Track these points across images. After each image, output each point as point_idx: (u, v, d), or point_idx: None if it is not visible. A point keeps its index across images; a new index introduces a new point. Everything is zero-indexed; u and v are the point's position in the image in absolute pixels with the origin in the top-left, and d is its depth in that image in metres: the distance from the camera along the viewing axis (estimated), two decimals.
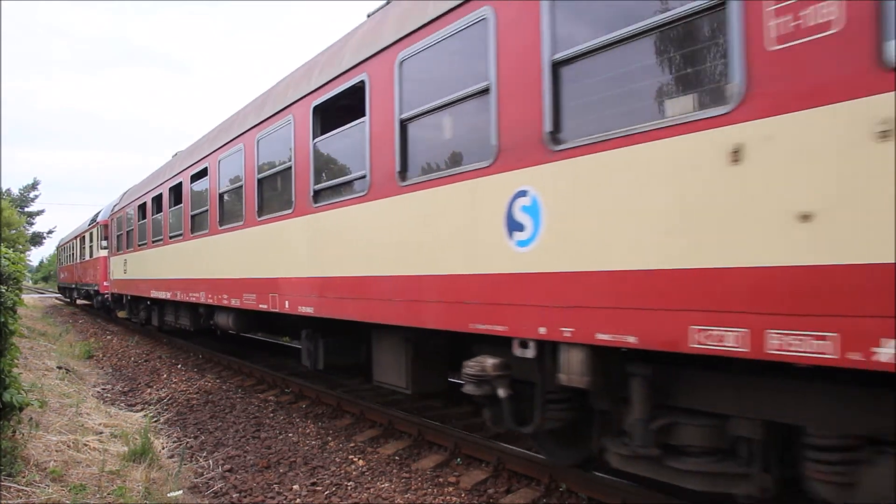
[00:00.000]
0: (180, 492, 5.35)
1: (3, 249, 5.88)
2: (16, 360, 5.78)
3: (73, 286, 31.67)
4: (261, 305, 8.39)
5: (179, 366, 12.73)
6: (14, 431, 5.57)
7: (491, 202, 4.62)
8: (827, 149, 2.90)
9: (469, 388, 4.89)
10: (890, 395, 3.05)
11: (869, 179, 2.73)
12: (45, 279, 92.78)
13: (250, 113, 9.29)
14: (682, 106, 3.60)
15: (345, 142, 6.71)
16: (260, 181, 8.57)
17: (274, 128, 8.16)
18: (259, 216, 8.52)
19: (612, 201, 3.81)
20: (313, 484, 5.72)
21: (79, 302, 33.97)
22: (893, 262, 2.63)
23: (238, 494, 5.55)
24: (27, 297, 22.46)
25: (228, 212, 9.85)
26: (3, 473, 4.93)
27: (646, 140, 3.62)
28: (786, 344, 3.04)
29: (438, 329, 5.14)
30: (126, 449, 6.11)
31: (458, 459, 6.18)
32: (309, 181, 7.16)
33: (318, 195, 7.06)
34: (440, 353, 5.75)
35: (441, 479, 5.70)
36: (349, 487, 5.61)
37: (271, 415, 8.39)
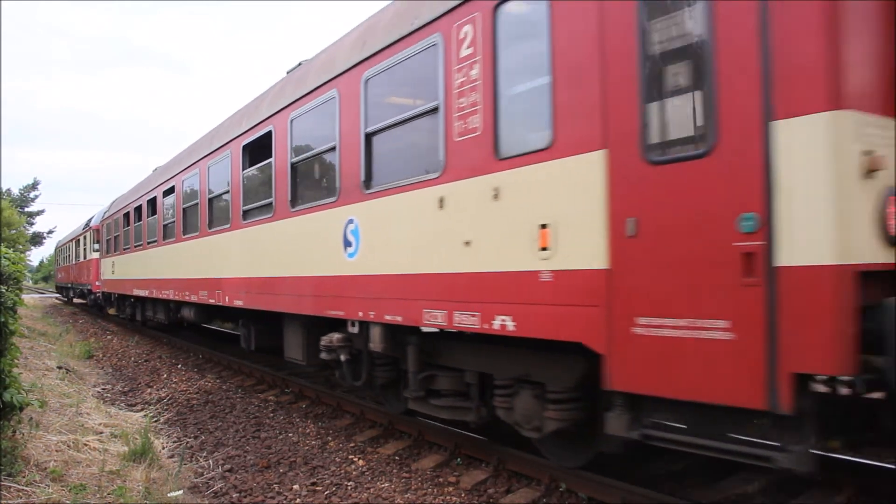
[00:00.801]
0: (180, 492, 5.35)
1: (3, 249, 5.87)
2: (16, 360, 5.78)
3: (70, 286, 33.52)
4: (210, 300, 10.52)
5: (179, 366, 12.74)
6: (14, 431, 5.57)
7: (336, 226, 6.67)
8: (475, 203, 4.91)
9: (323, 355, 7.04)
10: (529, 353, 4.93)
11: (491, 222, 4.77)
12: (45, 279, 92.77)
13: (204, 144, 11.54)
14: (419, 170, 5.60)
15: (261, 175, 8.83)
16: (210, 200, 10.75)
17: (219, 158, 10.32)
18: (209, 228, 10.66)
19: (390, 229, 5.90)
20: (313, 484, 5.72)
21: (75, 301, 34.96)
22: (503, 270, 4.65)
23: (238, 494, 5.55)
24: (27, 297, 22.66)
25: (189, 223, 11.94)
26: (4, 473, 4.93)
27: (402, 191, 5.72)
28: (461, 320, 5.02)
29: (314, 315, 7.19)
30: (126, 449, 6.11)
31: (458, 459, 6.18)
32: (240, 203, 9.30)
33: (245, 214, 9.14)
34: (323, 334, 7.17)
35: (441, 479, 5.70)
36: (349, 487, 5.61)
37: (271, 415, 8.39)
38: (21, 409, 5.42)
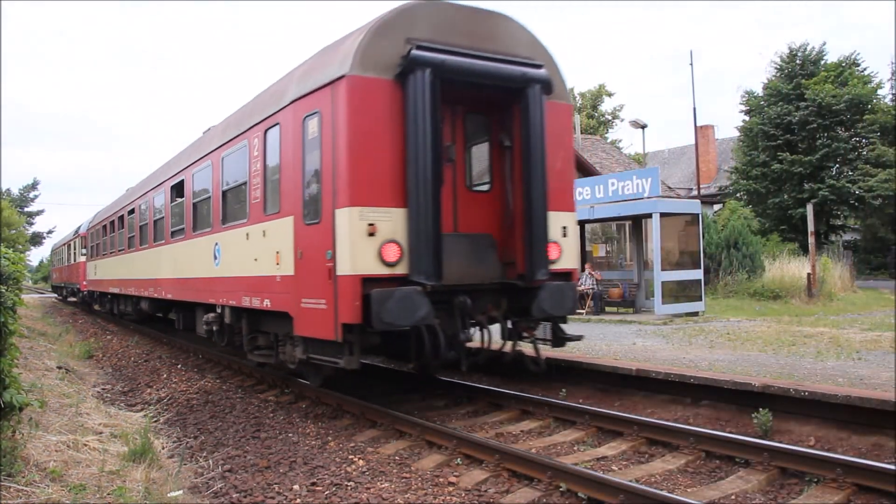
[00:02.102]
0: (180, 492, 5.34)
1: (3, 249, 5.86)
2: (16, 361, 5.77)
3: (63, 285, 38.47)
4: (155, 294, 14.49)
5: (179, 366, 12.73)
6: (14, 431, 5.56)
7: (211, 246, 10.49)
8: (257, 238, 8.59)
9: (205, 327, 10.90)
10: (289, 320, 7.72)
11: (263, 249, 8.44)
12: (45, 279, 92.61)
13: (151, 180, 15.90)
14: (240, 216, 9.33)
15: (181, 209, 12.63)
16: (154, 221, 14.67)
17: (159, 192, 14.37)
18: (154, 241, 14.61)
19: (230, 249, 9.62)
20: (313, 484, 5.71)
21: (69, 299, 37.82)
22: (267, 275, 8.24)
23: (238, 494, 5.54)
24: (27, 297, 22.84)
25: (143, 237, 15.85)
26: (3, 473, 4.92)
27: (234, 228, 9.44)
28: (254, 303, 8.58)
29: (205, 302, 10.95)
30: (126, 449, 6.10)
31: (458, 459, 6.18)
32: (169, 225, 13.33)
33: (172, 234, 13.09)
34: (216, 315, 10.68)
35: (441, 479, 5.69)
36: (349, 487, 5.61)
37: (271, 415, 8.38)
38: (21, 409, 5.41)
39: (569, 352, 9.93)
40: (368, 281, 6.62)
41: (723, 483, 5.39)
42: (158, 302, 15.05)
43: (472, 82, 7.32)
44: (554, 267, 7.76)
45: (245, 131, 9.23)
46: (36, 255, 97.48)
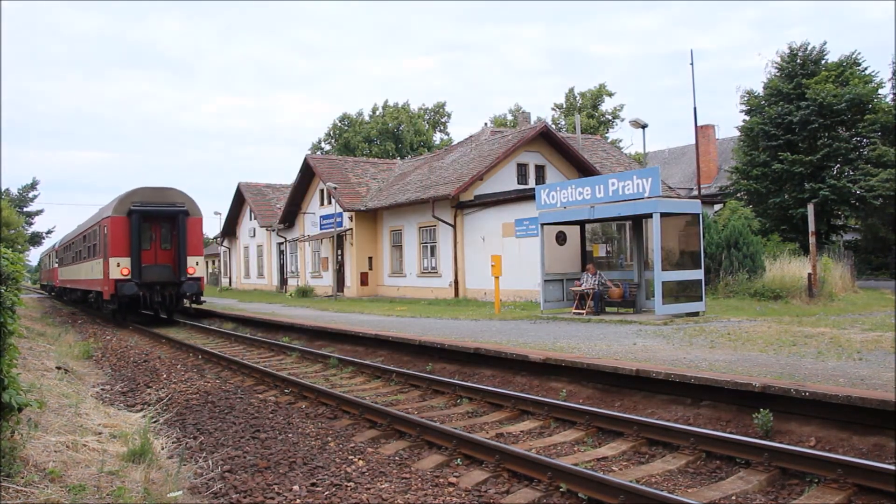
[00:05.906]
0: (180, 492, 5.32)
1: (3, 249, 5.84)
2: (15, 361, 5.74)
3: (47, 284, 53.55)
4: (81, 288, 29.93)
5: (179, 366, 12.71)
6: (13, 432, 5.54)
7: (91, 265, 26.35)
8: (98, 264, 25.51)
9: (90, 300, 28.58)
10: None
11: (99, 269, 25.31)
12: None
13: (81, 228, 30.11)
14: (97, 255, 25.36)
15: (86, 246, 28.07)
16: (80, 250, 29.74)
17: (80, 236, 29.79)
18: (80, 260, 29.48)
19: (95, 267, 25.66)
20: (313, 484, 5.70)
21: (52, 294, 50.50)
22: (101, 278, 23.81)
23: (238, 495, 5.53)
24: (25, 297, 23.66)
25: (75, 257, 30.84)
26: (3, 474, 4.91)
27: (96, 259, 25.01)
28: (101, 289, 24.40)
29: (95, 290, 25.30)
30: (125, 449, 6.08)
31: (458, 460, 6.17)
32: (83, 253, 28.76)
33: (84, 258, 28.49)
34: (93, 295, 26.57)
35: (441, 480, 5.68)
36: (349, 488, 5.60)
37: (271, 415, 8.37)
38: (20, 409, 5.39)
39: (569, 352, 9.95)
40: (117, 280, 21.26)
41: (723, 483, 5.38)
42: (82, 292, 29.35)
43: (158, 216, 22.25)
44: (191, 276, 21.99)
45: (96, 223, 24.01)
46: (35, 256, 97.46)
